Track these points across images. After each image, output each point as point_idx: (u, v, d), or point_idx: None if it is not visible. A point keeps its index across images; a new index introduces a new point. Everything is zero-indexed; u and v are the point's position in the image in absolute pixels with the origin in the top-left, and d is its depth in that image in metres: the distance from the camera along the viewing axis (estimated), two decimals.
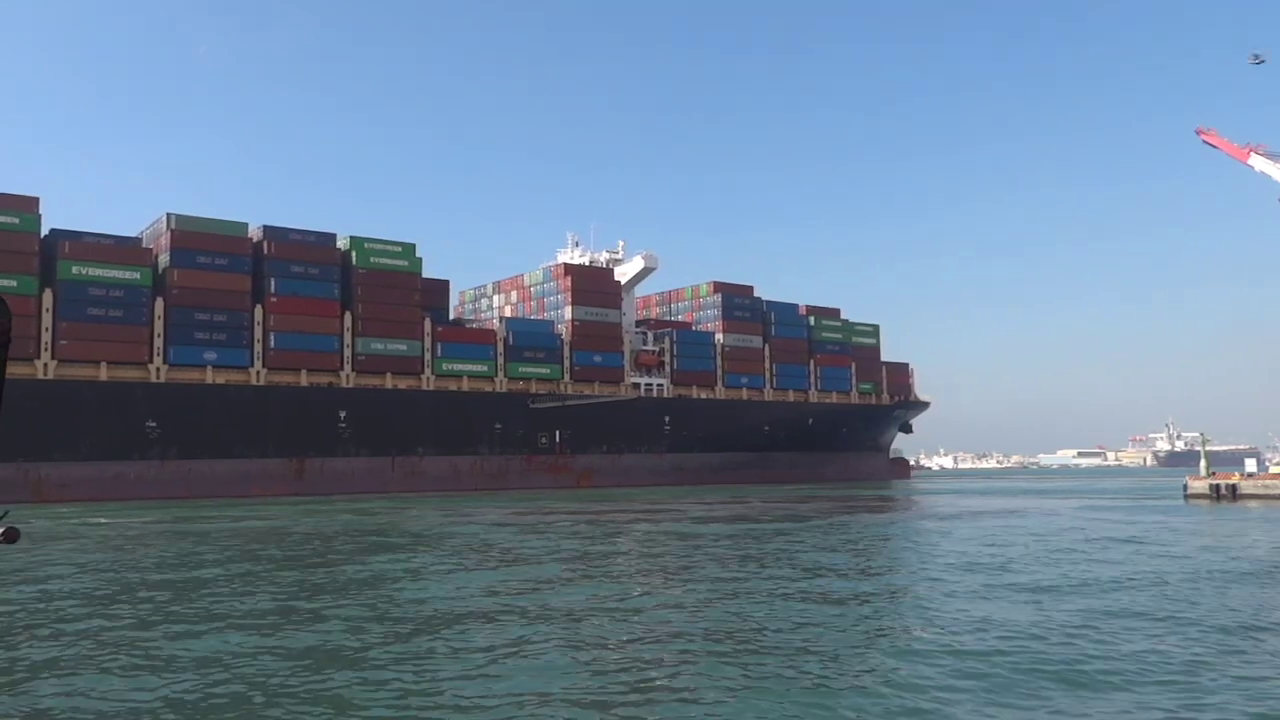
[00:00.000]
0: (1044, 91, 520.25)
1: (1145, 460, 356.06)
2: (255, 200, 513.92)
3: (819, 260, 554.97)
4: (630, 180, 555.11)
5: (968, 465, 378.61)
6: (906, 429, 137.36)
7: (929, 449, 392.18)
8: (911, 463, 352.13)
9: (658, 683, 14.64)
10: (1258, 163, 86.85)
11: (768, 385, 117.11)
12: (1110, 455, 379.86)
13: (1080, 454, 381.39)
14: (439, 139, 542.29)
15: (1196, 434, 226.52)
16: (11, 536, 4.46)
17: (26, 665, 15.94)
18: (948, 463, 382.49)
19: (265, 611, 21.14)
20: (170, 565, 31.10)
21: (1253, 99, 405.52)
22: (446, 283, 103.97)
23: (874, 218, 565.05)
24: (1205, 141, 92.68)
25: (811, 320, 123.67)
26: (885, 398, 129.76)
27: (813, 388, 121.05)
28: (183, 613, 21.05)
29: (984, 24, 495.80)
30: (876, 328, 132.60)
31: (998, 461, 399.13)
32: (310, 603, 22.60)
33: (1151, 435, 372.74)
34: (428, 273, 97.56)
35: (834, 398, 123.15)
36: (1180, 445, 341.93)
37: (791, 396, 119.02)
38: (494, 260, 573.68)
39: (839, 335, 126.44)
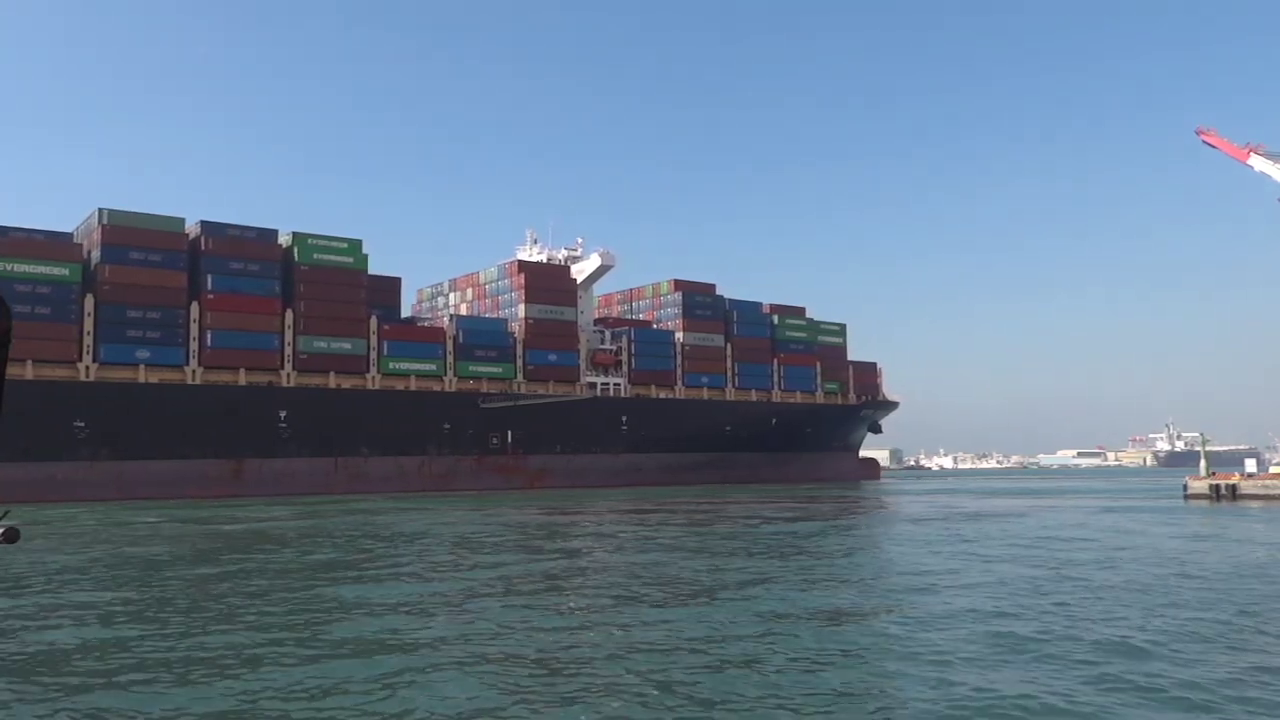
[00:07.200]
0: (1037, 83, 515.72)
1: (1145, 460, 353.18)
2: (254, 203, 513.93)
3: (810, 261, 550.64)
4: (598, 176, 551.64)
5: (968, 466, 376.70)
6: (876, 429, 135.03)
7: (929, 449, 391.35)
8: (911, 463, 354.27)
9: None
10: (1258, 163, 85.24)
11: (729, 385, 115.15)
12: (1110, 455, 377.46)
13: (1080, 454, 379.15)
14: (415, 136, 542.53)
15: (1196, 434, 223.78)
16: (12, 536, 4.39)
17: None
18: (947, 463, 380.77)
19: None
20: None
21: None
22: (397, 280, 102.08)
23: (872, 219, 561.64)
24: (1205, 141, 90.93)
25: (775, 319, 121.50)
26: (852, 397, 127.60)
27: (776, 387, 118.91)
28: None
29: (968, 10, 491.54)
30: (843, 326, 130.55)
31: (998, 462, 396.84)
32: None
33: (1151, 435, 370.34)
34: (386, 270, 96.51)
35: (798, 397, 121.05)
36: (1180, 445, 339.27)
37: (754, 396, 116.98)
38: (472, 258, 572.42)
39: (804, 334, 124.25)
